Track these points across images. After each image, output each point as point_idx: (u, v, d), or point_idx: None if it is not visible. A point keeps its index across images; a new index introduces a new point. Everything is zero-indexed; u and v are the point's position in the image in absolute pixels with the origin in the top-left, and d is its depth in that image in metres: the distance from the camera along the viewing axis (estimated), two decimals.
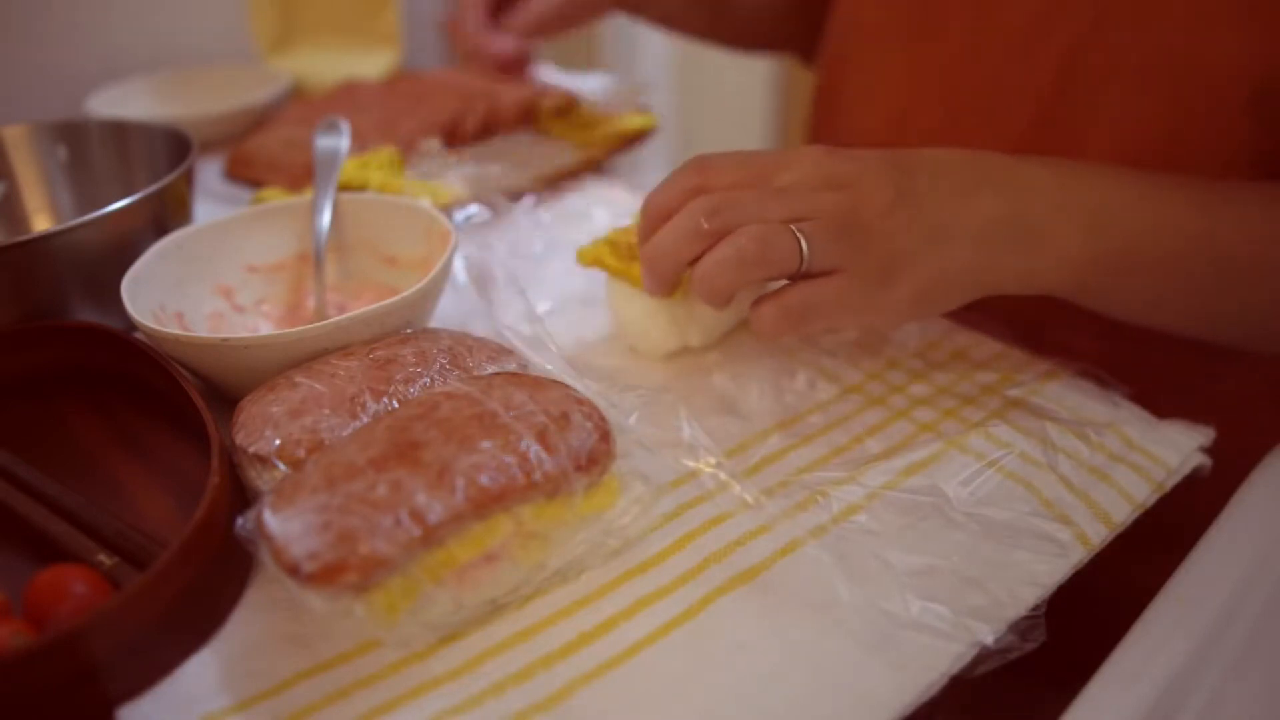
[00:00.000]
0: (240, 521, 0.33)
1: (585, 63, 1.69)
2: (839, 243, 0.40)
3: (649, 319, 0.48)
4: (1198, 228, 0.44)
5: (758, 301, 0.42)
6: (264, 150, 0.73)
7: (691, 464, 0.41)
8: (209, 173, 0.74)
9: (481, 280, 0.53)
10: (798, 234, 0.40)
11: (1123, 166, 0.45)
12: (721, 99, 1.78)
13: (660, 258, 0.43)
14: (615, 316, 0.51)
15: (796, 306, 0.41)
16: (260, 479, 0.37)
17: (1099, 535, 0.39)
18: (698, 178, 0.43)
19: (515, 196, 0.65)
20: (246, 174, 0.73)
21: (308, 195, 0.56)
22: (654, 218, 0.44)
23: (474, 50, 0.78)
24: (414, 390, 0.40)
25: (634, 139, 0.77)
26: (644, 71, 1.80)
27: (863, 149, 0.43)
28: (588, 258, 0.49)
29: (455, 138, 0.77)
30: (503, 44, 0.77)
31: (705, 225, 0.41)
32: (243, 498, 0.39)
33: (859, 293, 0.41)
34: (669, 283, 0.45)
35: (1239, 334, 0.49)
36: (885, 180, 0.41)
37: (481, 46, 0.78)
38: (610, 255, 0.48)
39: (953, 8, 0.56)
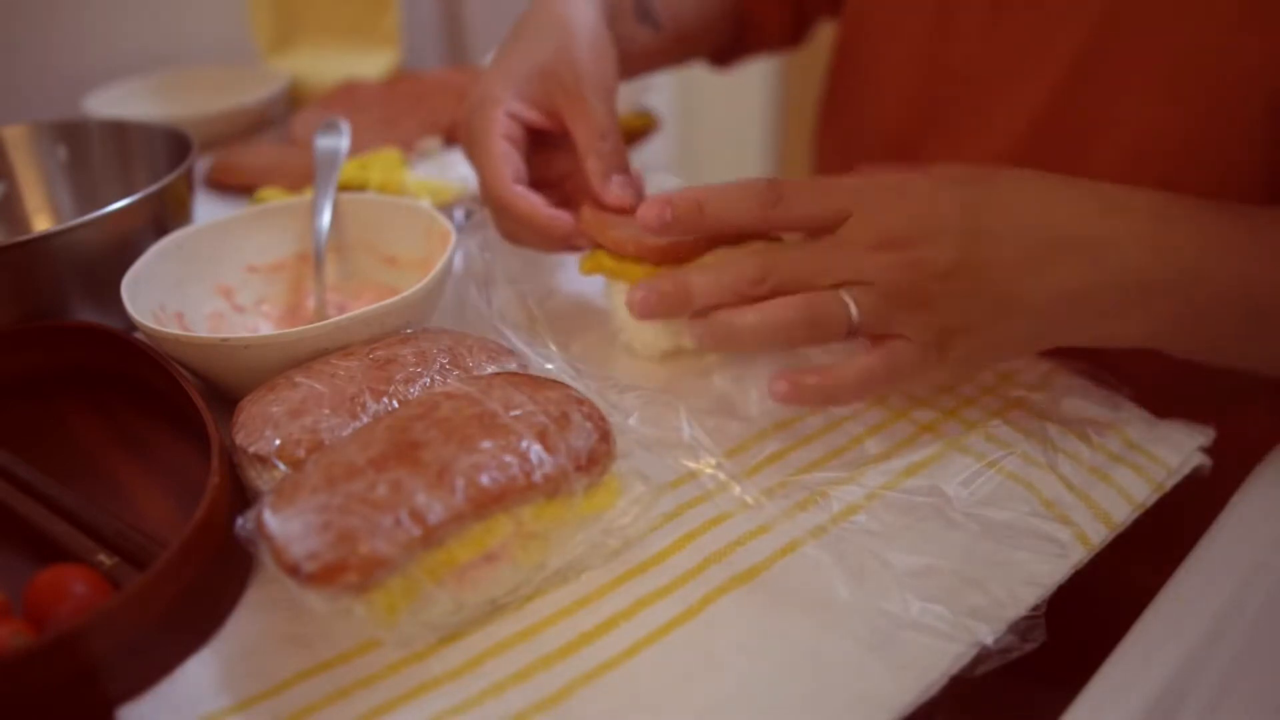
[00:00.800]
0: (240, 521, 0.33)
1: None
2: (894, 310, 0.39)
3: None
4: None
5: (805, 373, 0.40)
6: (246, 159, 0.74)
7: (691, 464, 0.41)
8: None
9: (481, 280, 0.53)
10: (848, 301, 0.39)
11: (1209, 203, 0.41)
12: (721, 99, 1.78)
13: (693, 303, 0.42)
14: (612, 315, 0.51)
15: (851, 384, 0.40)
16: (260, 479, 0.37)
17: (1099, 535, 0.39)
18: (771, 199, 0.40)
19: None
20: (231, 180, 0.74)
21: (308, 195, 0.56)
22: (707, 221, 0.42)
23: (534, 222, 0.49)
24: (414, 390, 0.40)
25: (634, 138, 0.77)
26: None
27: (932, 184, 0.40)
28: (587, 265, 0.49)
29: (455, 138, 0.77)
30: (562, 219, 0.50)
31: (751, 292, 0.40)
32: (243, 498, 0.39)
33: (913, 361, 0.40)
34: (677, 317, 0.43)
35: None
36: (948, 241, 0.38)
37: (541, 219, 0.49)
38: (608, 257, 0.48)
39: (969, 2, 0.55)
